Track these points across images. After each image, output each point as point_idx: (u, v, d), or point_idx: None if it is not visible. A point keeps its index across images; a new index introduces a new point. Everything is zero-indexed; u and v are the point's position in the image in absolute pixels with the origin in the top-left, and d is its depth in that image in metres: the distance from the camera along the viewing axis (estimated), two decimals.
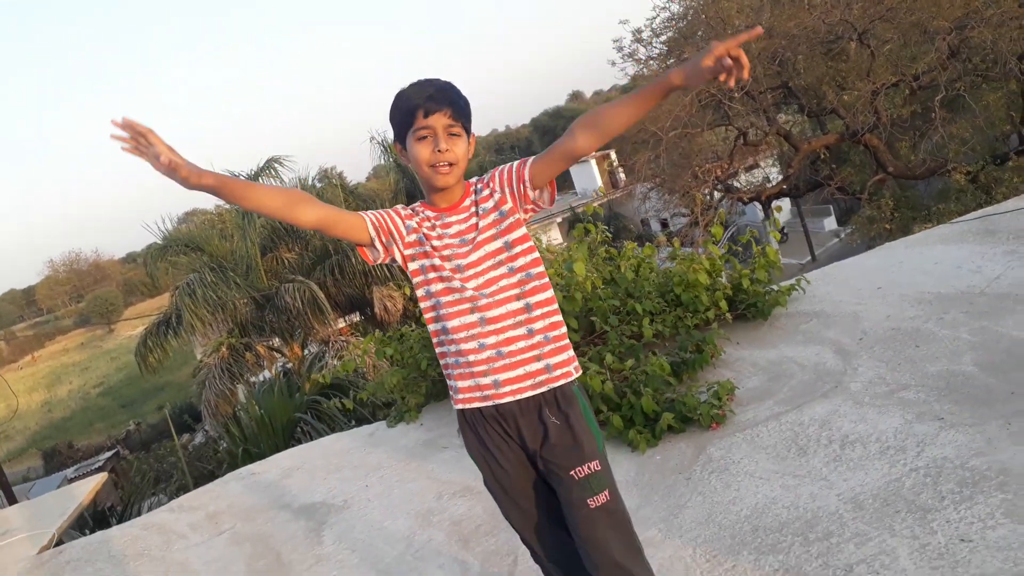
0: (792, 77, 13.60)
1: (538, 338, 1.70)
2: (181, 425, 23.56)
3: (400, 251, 1.74)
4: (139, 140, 1.48)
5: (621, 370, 3.52)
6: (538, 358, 1.70)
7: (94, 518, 6.69)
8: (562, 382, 1.71)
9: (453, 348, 1.73)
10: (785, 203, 24.84)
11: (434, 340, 1.80)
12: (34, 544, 4.31)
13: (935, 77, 11.14)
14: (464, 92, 1.75)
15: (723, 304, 4.03)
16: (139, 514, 4.75)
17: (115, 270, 76.97)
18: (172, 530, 3.91)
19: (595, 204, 4.80)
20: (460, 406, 1.76)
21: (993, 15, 10.21)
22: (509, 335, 1.69)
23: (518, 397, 1.69)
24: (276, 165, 14.04)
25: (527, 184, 1.69)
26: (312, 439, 5.82)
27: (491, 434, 1.74)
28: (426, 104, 1.66)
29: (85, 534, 4.83)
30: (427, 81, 1.71)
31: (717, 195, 14.58)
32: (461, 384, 1.74)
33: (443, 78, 1.74)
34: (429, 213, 1.76)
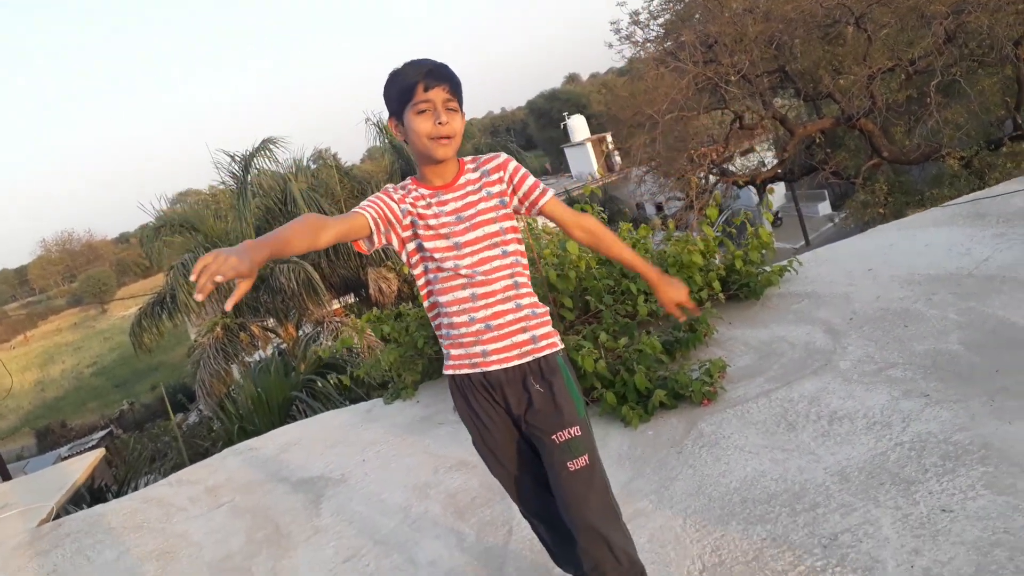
0: (789, 61, 13.57)
1: (526, 311, 1.79)
2: (175, 404, 23.63)
3: (398, 235, 1.79)
4: (210, 275, 1.35)
5: (615, 348, 3.57)
6: (524, 330, 1.78)
7: (91, 494, 6.73)
8: (547, 352, 1.80)
9: (446, 321, 1.81)
10: (780, 187, 24.91)
11: (429, 313, 1.89)
12: (33, 517, 4.36)
13: (931, 62, 11.13)
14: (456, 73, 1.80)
15: (716, 285, 4.09)
16: (136, 491, 4.80)
17: (108, 250, 76.65)
18: (171, 503, 3.96)
19: (592, 186, 4.80)
20: (451, 372, 1.85)
21: (990, 0, 10.21)
22: (498, 309, 1.77)
23: (505, 366, 1.78)
24: (271, 146, 14.01)
25: (533, 209, 1.85)
26: (307, 417, 5.87)
27: (479, 399, 1.83)
28: (426, 79, 1.70)
29: (83, 509, 4.87)
30: (423, 59, 1.75)
31: (712, 179, 14.58)
32: (453, 352, 1.83)
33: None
34: (424, 191, 1.80)
